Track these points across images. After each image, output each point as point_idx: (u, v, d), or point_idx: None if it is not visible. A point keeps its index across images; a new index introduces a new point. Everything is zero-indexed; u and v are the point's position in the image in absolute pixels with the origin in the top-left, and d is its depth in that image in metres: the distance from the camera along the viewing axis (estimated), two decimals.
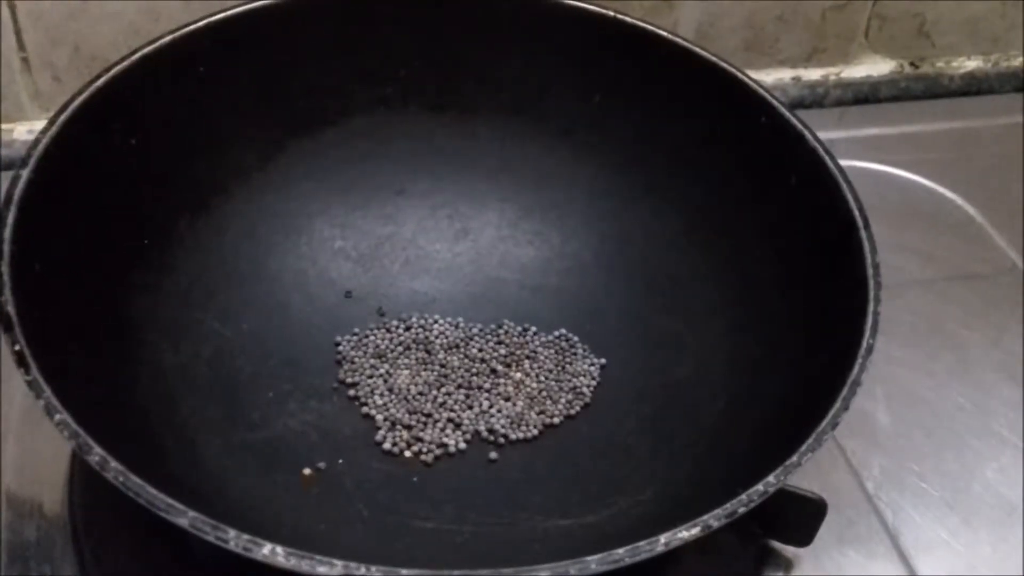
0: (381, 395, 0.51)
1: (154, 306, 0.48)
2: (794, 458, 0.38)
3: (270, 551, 0.34)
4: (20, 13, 0.61)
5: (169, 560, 0.46)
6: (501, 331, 0.55)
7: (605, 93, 0.56)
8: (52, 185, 0.44)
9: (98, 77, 0.47)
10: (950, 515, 0.52)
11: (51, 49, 0.63)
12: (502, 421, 0.51)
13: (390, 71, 0.56)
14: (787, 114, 0.50)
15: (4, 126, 0.65)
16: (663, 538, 0.35)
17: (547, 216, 0.58)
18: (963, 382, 0.59)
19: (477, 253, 0.58)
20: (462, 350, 0.54)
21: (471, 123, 0.58)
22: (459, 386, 0.52)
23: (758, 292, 0.51)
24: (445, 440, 0.50)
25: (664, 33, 0.54)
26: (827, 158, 0.49)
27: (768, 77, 0.75)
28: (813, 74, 0.77)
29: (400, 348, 0.53)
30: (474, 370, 0.53)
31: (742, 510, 0.37)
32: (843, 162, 0.49)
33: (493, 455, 0.50)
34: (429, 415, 0.51)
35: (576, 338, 0.54)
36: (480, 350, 0.54)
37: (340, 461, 0.48)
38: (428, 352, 0.53)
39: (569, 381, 0.53)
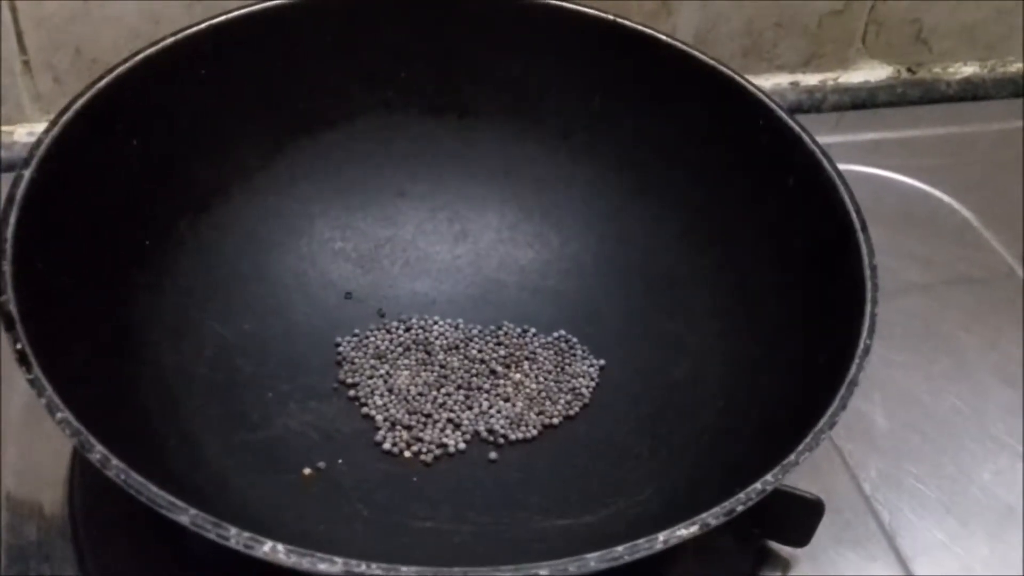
0: (381, 395, 0.51)
1: (155, 306, 0.49)
2: (792, 457, 0.38)
3: (271, 548, 0.34)
4: (22, 15, 0.61)
5: (168, 560, 0.46)
6: (500, 332, 0.55)
7: (604, 96, 0.57)
8: (54, 185, 0.44)
9: (101, 78, 0.47)
10: (947, 517, 0.53)
11: (52, 52, 0.63)
12: (501, 422, 0.51)
13: (391, 73, 0.57)
14: (785, 117, 0.51)
15: (4, 128, 0.66)
16: (662, 536, 0.36)
17: (546, 218, 0.58)
18: (960, 385, 0.59)
19: (477, 255, 0.58)
20: (462, 351, 0.54)
21: (471, 125, 0.58)
22: (459, 387, 0.52)
23: (756, 293, 0.51)
24: (444, 440, 0.50)
25: (663, 37, 0.55)
26: (825, 161, 0.49)
27: (766, 82, 0.76)
28: (811, 79, 0.78)
29: (400, 349, 0.54)
30: (473, 371, 0.53)
31: (740, 508, 0.37)
32: (840, 166, 0.49)
33: (492, 455, 0.50)
34: (429, 415, 0.51)
35: (575, 339, 0.55)
36: (479, 351, 0.54)
37: (340, 461, 0.48)
38: (428, 353, 0.54)
39: (568, 382, 0.53)
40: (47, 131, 0.45)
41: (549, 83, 0.57)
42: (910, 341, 0.60)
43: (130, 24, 0.63)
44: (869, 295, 0.44)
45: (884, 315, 0.44)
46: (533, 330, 0.55)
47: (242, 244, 0.54)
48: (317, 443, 0.49)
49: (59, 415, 0.36)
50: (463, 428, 0.51)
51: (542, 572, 0.34)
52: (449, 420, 0.51)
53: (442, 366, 0.53)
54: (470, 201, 0.59)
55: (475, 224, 0.58)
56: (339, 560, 0.34)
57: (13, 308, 0.39)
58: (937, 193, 0.71)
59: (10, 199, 0.42)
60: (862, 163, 0.70)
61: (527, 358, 0.54)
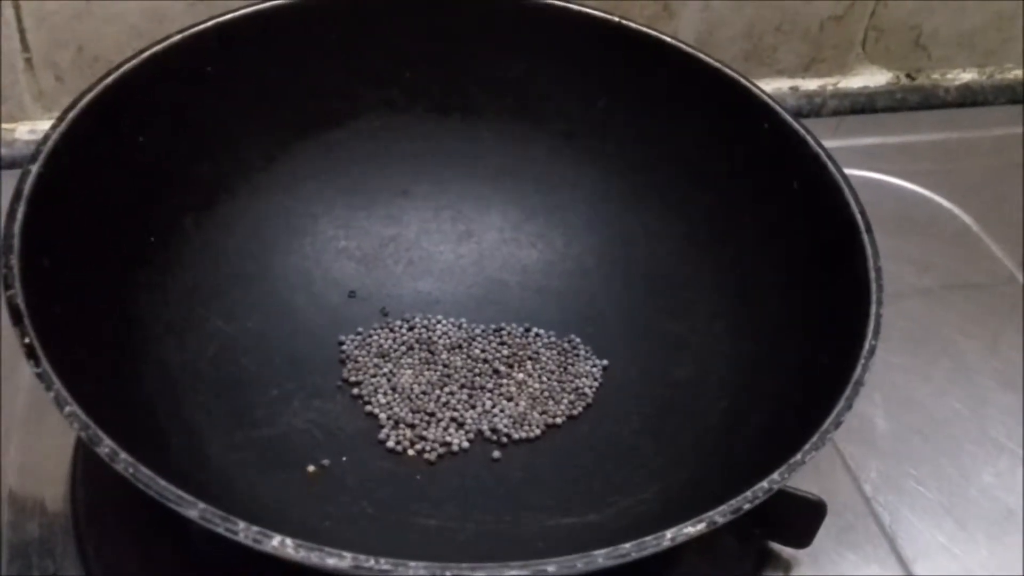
0: (384, 394, 0.52)
1: (160, 303, 0.49)
2: (799, 456, 0.38)
3: (280, 543, 0.34)
4: (24, 13, 0.61)
5: (171, 557, 0.46)
6: (504, 332, 0.55)
7: (609, 97, 0.57)
8: (61, 181, 0.44)
9: (108, 74, 0.47)
10: (947, 519, 0.53)
11: (55, 50, 0.63)
12: (505, 421, 0.51)
13: (395, 73, 0.57)
14: (789, 119, 0.51)
15: (6, 126, 0.66)
16: (669, 533, 0.36)
17: (550, 219, 0.58)
18: (960, 388, 0.59)
19: (480, 255, 0.58)
20: (465, 350, 0.54)
21: (475, 126, 0.58)
22: (462, 386, 0.52)
23: (760, 294, 0.51)
24: (448, 439, 0.50)
25: (668, 39, 0.55)
26: (829, 162, 0.49)
27: (766, 87, 0.75)
28: (811, 84, 0.78)
29: (403, 348, 0.54)
30: (477, 370, 0.53)
31: (747, 507, 0.37)
32: None
33: (496, 454, 0.50)
34: (432, 414, 0.51)
35: (578, 339, 0.55)
36: (483, 350, 0.54)
37: (344, 459, 0.48)
38: (431, 352, 0.54)
39: (571, 382, 0.53)
40: (54, 127, 0.45)
41: (553, 84, 0.58)
42: (910, 344, 0.61)
43: (133, 22, 0.63)
44: (874, 296, 0.44)
45: (884, 318, 0.44)
46: (536, 330, 0.55)
47: (246, 242, 0.54)
48: (321, 441, 0.49)
49: (68, 409, 0.36)
50: (466, 427, 0.51)
51: (550, 569, 0.34)
52: (452, 419, 0.51)
53: (445, 365, 0.53)
54: (474, 201, 0.59)
55: (479, 224, 0.59)
56: (348, 555, 0.34)
57: (21, 302, 0.39)
58: (936, 198, 0.71)
59: (17, 194, 0.42)
60: (861, 167, 0.70)
61: (530, 358, 0.54)
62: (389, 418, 0.51)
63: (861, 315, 0.43)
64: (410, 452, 0.50)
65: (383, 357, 0.53)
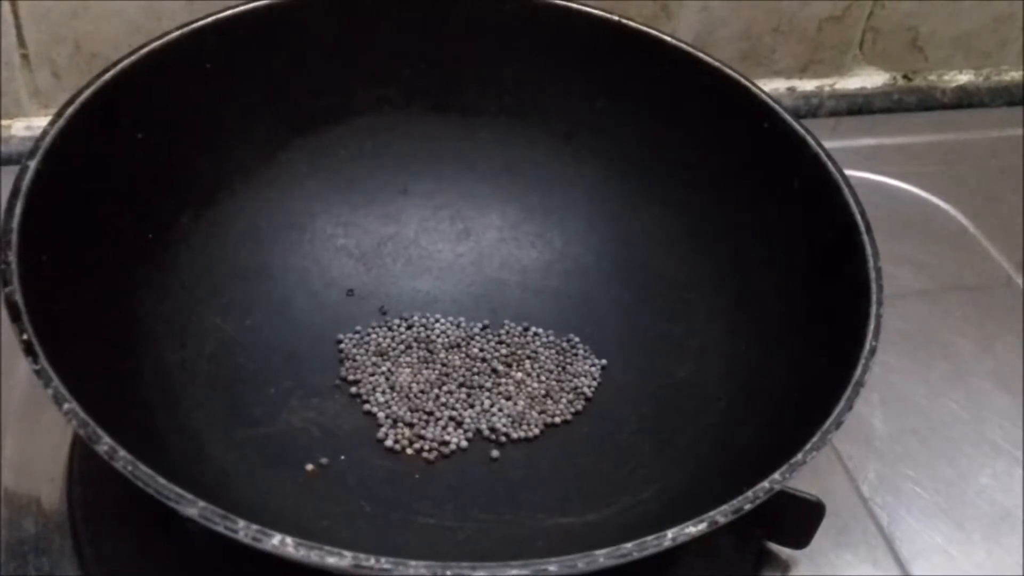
0: (383, 393, 0.51)
1: (158, 301, 0.48)
2: (799, 456, 0.38)
3: (280, 542, 0.34)
4: (22, 10, 0.61)
5: (169, 555, 0.46)
6: (502, 331, 0.55)
7: (608, 97, 0.57)
8: (59, 177, 0.44)
9: (106, 71, 0.47)
10: (945, 520, 0.53)
11: (52, 46, 0.63)
12: (503, 420, 0.51)
13: (394, 71, 0.57)
14: (789, 119, 0.51)
15: (3, 122, 0.65)
16: (671, 533, 0.36)
17: (549, 218, 0.58)
18: (958, 390, 0.59)
19: (479, 254, 0.58)
20: (463, 349, 0.54)
21: (474, 125, 0.58)
22: (460, 385, 0.52)
23: (759, 294, 0.51)
24: (447, 438, 0.50)
25: (667, 38, 0.55)
26: (829, 163, 0.49)
27: (764, 87, 0.75)
28: (808, 85, 0.78)
29: (402, 347, 0.54)
30: (475, 369, 0.53)
31: (748, 507, 0.37)
32: None
33: (495, 453, 0.50)
34: (431, 413, 0.51)
35: (577, 339, 0.55)
36: (481, 349, 0.54)
37: (342, 458, 0.48)
38: (430, 351, 0.53)
39: (570, 381, 0.53)
40: (52, 123, 0.45)
41: (552, 83, 0.57)
42: (907, 346, 0.61)
43: (130, 19, 0.63)
44: (874, 296, 0.44)
45: (882, 320, 0.44)
46: (535, 329, 0.55)
47: (244, 240, 0.54)
48: (319, 440, 0.49)
49: (66, 406, 0.36)
50: (465, 426, 0.51)
51: (551, 568, 0.34)
52: (451, 418, 0.51)
53: (444, 364, 0.53)
54: (473, 200, 0.59)
55: (477, 223, 0.58)
56: (348, 554, 0.34)
57: (19, 299, 0.39)
58: (933, 199, 0.71)
59: (15, 190, 0.42)
60: (858, 168, 0.70)
61: (528, 357, 0.54)
62: (387, 417, 0.51)
63: (861, 315, 0.43)
64: (408, 451, 0.49)
65: (381, 356, 0.53)
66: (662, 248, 0.55)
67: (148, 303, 0.48)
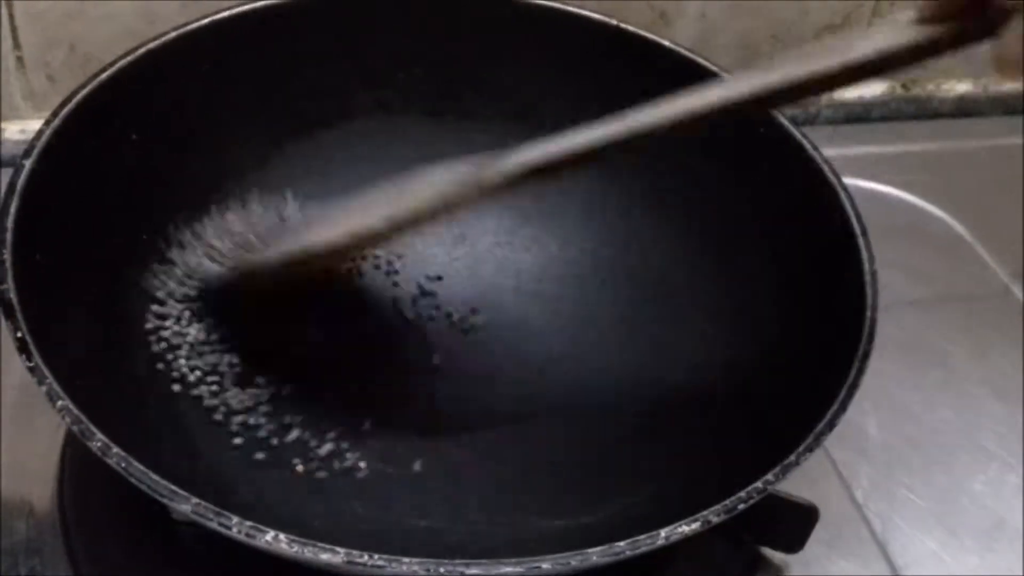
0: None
1: (151, 302, 0.48)
2: (792, 457, 0.38)
3: (273, 538, 0.34)
4: (17, 12, 0.61)
5: (161, 556, 0.46)
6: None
7: (604, 102, 0.55)
8: (54, 177, 0.44)
9: (102, 71, 0.48)
10: (938, 526, 0.53)
11: (47, 49, 0.63)
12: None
13: (390, 75, 0.57)
14: (786, 124, 0.51)
15: None
16: (664, 532, 0.36)
17: (545, 223, 0.58)
18: (952, 398, 0.59)
19: (474, 258, 0.58)
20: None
21: (470, 129, 0.58)
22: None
23: (755, 299, 0.51)
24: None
25: (665, 43, 0.55)
26: (825, 168, 0.49)
27: None
28: None
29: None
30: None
31: (741, 507, 0.37)
32: None
33: (491, 448, 0.50)
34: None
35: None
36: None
37: (334, 458, 0.48)
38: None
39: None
40: (48, 122, 0.45)
41: (549, 88, 0.57)
42: (902, 353, 0.60)
43: (125, 22, 0.63)
44: (870, 299, 0.44)
45: (877, 326, 0.44)
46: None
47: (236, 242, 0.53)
48: (310, 440, 0.49)
49: (60, 403, 0.36)
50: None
51: (544, 566, 0.34)
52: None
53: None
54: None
55: (473, 228, 0.58)
56: (341, 550, 0.34)
57: (13, 296, 0.39)
58: (930, 208, 0.71)
59: (11, 189, 0.42)
60: (855, 177, 0.69)
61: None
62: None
63: (857, 318, 0.43)
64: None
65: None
66: (658, 252, 0.55)
67: (142, 304, 0.48)
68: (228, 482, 0.45)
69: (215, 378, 0.49)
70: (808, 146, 0.50)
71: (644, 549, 0.35)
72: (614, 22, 0.55)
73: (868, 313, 0.44)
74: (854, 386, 0.41)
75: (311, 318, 0.54)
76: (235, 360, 0.50)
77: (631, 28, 0.55)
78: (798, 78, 0.39)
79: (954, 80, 0.81)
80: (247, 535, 0.34)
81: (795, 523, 0.47)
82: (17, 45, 0.62)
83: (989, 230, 0.70)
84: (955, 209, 0.71)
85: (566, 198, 0.58)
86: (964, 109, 0.81)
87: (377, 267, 0.57)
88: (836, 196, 0.48)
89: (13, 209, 0.41)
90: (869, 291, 0.44)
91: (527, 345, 0.55)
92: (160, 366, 0.48)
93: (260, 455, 0.47)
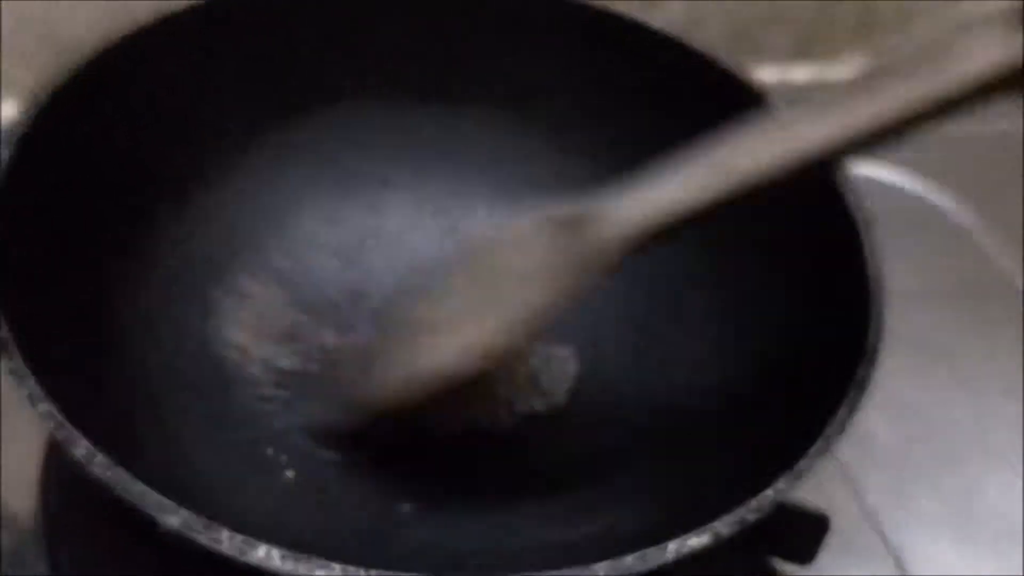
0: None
1: (135, 298, 0.47)
2: (804, 463, 0.37)
3: (265, 553, 0.32)
4: None
5: (145, 565, 0.44)
6: None
7: (598, 91, 0.55)
8: (31, 167, 0.42)
9: (80, 59, 0.46)
10: (952, 532, 0.52)
11: (22, 34, 0.61)
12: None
13: (377, 60, 0.55)
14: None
15: None
16: (672, 545, 0.34)
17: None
18: (961, 397, 0.58)
19: None
20: None
21: (458, 116, 0.56)
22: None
23: (757, 296, 0.50)
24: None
25: (658, 27, 0.54)
26: None
27: (755, 77, 0.75)
28: (800, 75, 0.77)
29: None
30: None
31: (752, 517, 0.35)
32: None
33: (488, 457, 0.48)
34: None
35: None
36: None
37: (326, 466, 0.47)
38: None
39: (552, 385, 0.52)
40: (24, 112, 0.43)
41: (539, 75, 0.56)
42: (907, 350, 0.58)
43: (104, 6, 0.60)
44: (876, 297, 0.43)
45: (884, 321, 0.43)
46: None
47: (222, 234, 0.52)
48: (302, 446, 0.47)
49: (41, 407, 0.35)
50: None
51: None
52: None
53: None
54: (457, 194, 0.57)
55: (463, 219, 0.57)
56: (336, 566, 0.32)
57: None
58: (936, 197, 0.69)
59: None
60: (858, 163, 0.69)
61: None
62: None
63: (864, 314, 0.42)
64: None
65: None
66: (656, 249, 0.54)
67: (125, 300, 0.46)
68: (215, 490, 0.43)
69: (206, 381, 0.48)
70: None
71: (653, 564, 0.33)
72: (600, 5, 0.54)
73: (875, 309, 0.42)
74: (863, 386, 0.40)
75: None
76: (227, 360, 0.49)
77: (624, 14, 0.54)
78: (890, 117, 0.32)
79: None
80: (239, 550, 0.32)
81: (806, 532, 0.45)
82: None
83: (993, 218, 0.68)
84: (956, 195, 0.69)
85: (558, 189, 0.56)
86: None
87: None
88: (839, 188, 0.46)
89: None
90: (875, 286, 0.43)
91: None
92: (147, 366, 0.46)
93: (249, 461, 0.46)
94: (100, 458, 0.34)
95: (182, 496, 0.34)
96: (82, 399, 0.38)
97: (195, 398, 0.46)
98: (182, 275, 0.50)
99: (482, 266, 0.38)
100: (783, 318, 0.48)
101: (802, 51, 0.75)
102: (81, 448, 0.34)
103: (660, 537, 0.35)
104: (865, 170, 0.67)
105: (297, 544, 0.37)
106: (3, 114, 0.63)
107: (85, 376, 0.41)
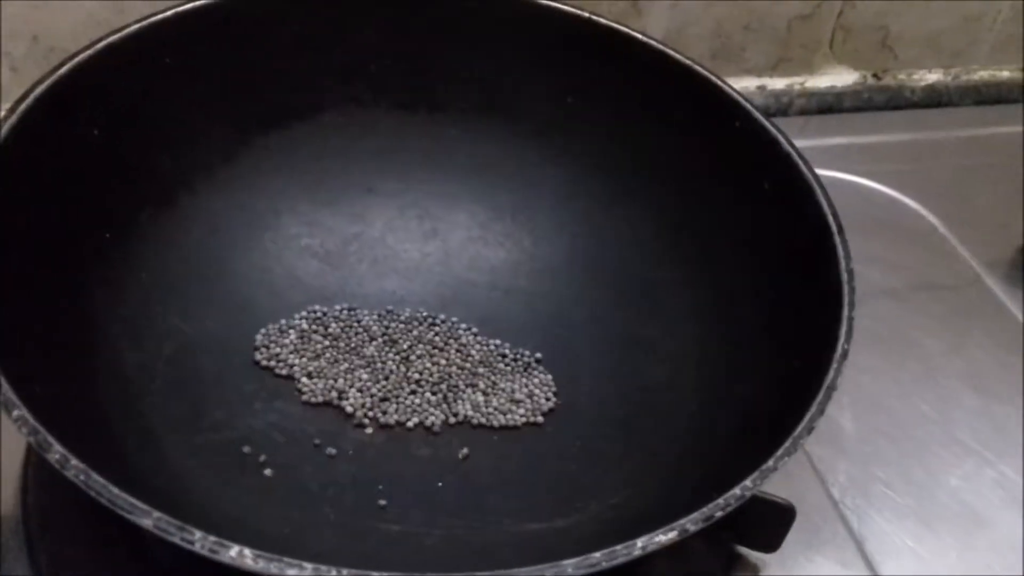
0: (346, 396, 0.50)
1: (115, 302, 0.47)
2: (770, 462, 0.38)
3: (237, 553, 0.33)
4: None
5: (128, 562, 0.44)
6: (470, 333, 0.54)
7: (578, 95, 0.56)
8: (12, 173, 0.42)
9: (62, 64, 0.46)
10: (915, 522, 0.53)
11: (9, 39, 0.61)
12: (474, 420, 0.50)
13: (360, 67, 0.56)
14: (761, 119, 0.50)
15: None
16: (640, 542, 0.35)
17: (518, 218, 0.57)
18: (927, 390, 0.59)
19: (446, 254, 0.57)
20: (434, 351, 0.53)
21: (441, 122, 0.57)
22: (430, 387, 0.51)
23: (731, 297, 0.50)
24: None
25: (638, 35, 0.54)
26: (801, 163, 0.49)
27: (734, 85, 0.75)
28: (778, 83, 0.78)
29: (367, 348, 0.52)
30: (444, 371, 0.52)
31: (719, 514, 0.36)
32: None
33: (464, 451, 0.49)
34: (397, 417, 0.50)
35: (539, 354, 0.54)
36: (457, 351, 0.53)
37: (305, 463, 0.47)
38: (397, 353, 0.52)
39: (535, 387, 0.52)
40: (5, 118, 0.43)
41: (521, 80, 0.57)
42: (877, 346, 0.60)
43: (91, 12, 0.61)
44: (847, 299, 0.43)
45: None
46: (497, 341, 0.54)
47: (205, 239, 0.52)
48: (281, 444, 0.48)
49: (15, 412, 0.35)
50: (433, 429, 0.50)
51: None
52: (419, 423, 0.50)
53: (411, 365, 0.52)
54: (440, 199, 0.58)
55: (445, 223, 0.57)
56: (308, 565, 0.33)
57: None
58: (902, 198, 0.71)
59: None
60: (828, 167, 0.68)
61: (498, 360, 0.53)
62: (352, 420, 0.49)
63: (834, 318, 0.43)
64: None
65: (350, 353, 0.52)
66: (632, 248, 0.55)
67: (105, 304, 0.47)
68: (196, 490, 0.43)
69: (184, 383, 0.48)
70: (783, 141, 0.49)
71: (621, 560, 0.34)
72: (585, 14, 0.54)
73: (845, 312, 0.43)
74: (832, 388, 0.40)
75: None
76: (204, 363, 0.49)
77: (603, 20, 0.54)
78: None
79: (925, 70, 0.81)
80: (211, 550, 0.33)
81: (772, 522, 0.46)
82: None
83: (961, 219, 0.70)
84: (927, 199, 0.71)
85: (539, 194, 0.57)
86: (935, 99, 0.81)
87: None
88: (812, 193, 0.47)
89: None
90: (846, 290, 0.44)
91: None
92: (125, 369, 0.47)
93: (228, 461, 0.46)
94: (74, 462, 0.34)
95: (160, 496, 0.35)
96: (58, 402, 0.38)
97: (173, 399, 0.47)
98: (162, 278, 0.50)
99: None
100: (756, 318, 0.49)
101: (782, 60, 0.76)
102: (55, 453, 0.34)
103: (630, 532, 0.35)
104: (836, 173, 0.69)
105: (276, 541, 0.38)
106: None
107: (63, 380, 0.42)
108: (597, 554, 0.34)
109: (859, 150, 0.75)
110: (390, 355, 0.52)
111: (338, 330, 0.53)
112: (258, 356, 0.51)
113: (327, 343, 0.52)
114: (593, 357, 0.53)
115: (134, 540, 0.44)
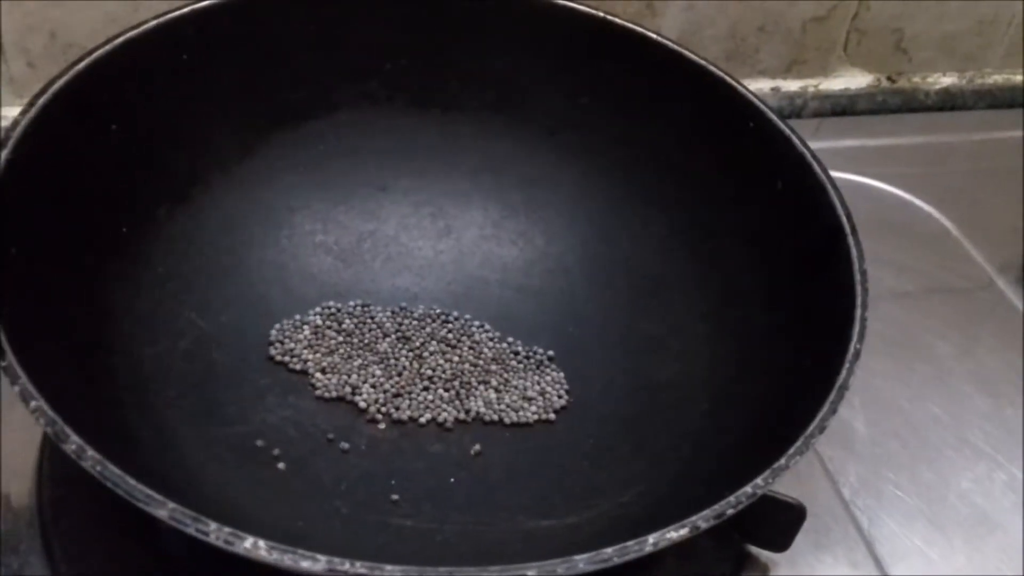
0: (360, 391, 0.50)
1: (131, 296, 0.48)
2: (782, 461, 0.38)
3: (252, 544, 0.33)
4: None
5: (140, 554, 0.45)
6: (483, 331, 0.54)
7: (592, 94, 0.56)
8: (30, 168, 0.43)
9: (80, 59, 0.46)
10: (925, 524, 0.53)
11: (27, 35, 0.62)
12: (486, 416, 0.50)
13: (375, 65, 0.56)
14: (775, 119, 0.50)
15: None
16: (652, 538, 0.35)
17: (531, 216, 0.57)
18: (938, 393, 0.59)
19: (460, 252, 0.57)
20: (446, 348, 0.53)
21: (455, 121, 0.57)
22: (443, 383, 0.52)
23: (743, 296, 0.51)
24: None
25: (653, 35, 0.54)
26: (814, 163, 0.49)
27: (749, 87, 0.75)
28: (792, 85, 0.78)
29: (383, 344, 0.53)
30: (457, 368, 0.52)
31: (730, 511, 0.36)
32: None
33: (476, 447, 0.49)
34: (410, 413, 0.50)
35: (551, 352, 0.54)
36: (469, 348, 0.53)
37: (318, 457, 0.47)
38: (410, 350, 0.53)
39: (547, 384, 0.52)
40: (24, 112, 0.44)
41: (536, 79, 0.57)
42: (889, 348, 0.60)
43: (108, 9, 0.62)
44: (859, 299, 0.44)
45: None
46: (510, 339, 0.54)
47: (221, 235, 0.53)
48: (295, 439, 0.48)
49: (33, 403, 0.35)
50: (446, 425, 0.50)
51: (530, 573, 0.34)
52: (432, 418, 0.50)
53: (424, 362, 0.52)
54: (454, 197, 0.58)
55: (458, 220, 0.58)
56: (322, 558, 0.33)
57: None
58: (916, 201, 0.71)
59: None
60: (840, 169, 0.68)
61: (510, 358, 0.53)
62: (366, 416, 0.50)
63: (846, 318, 0.43)
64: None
65: (360, 352, 0.52)
66: (645, 247, 0.55)
67: (121, 298, 0.47)
68: (209, 482, 0.44)
69: (198, 377, 0.48)
70: (797, 141, 0.50)
71: (632, 556, 0.34)
72: (600, 14, 0.55)
73: (858, 312, 0.43)
74: (844, 387, 0.41)
75: None
76: (219, 357, 0.49)
77: (618, 20, 0.55)
78: None
79: (939, 73, 0.81)
80: (226, 541, 0.33)
81: (783, 521, 0.46)
82: None
83: (974, 223, 0.70)
84: (940, 202, 0.71)
85: (553, 193, 0.57)
86: (949, 102, 0.81)
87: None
88: (825, 193, 0.47)
89: None
90: (859, 290, 0.44)
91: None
92: (141, 363, 0.47)
93: (243, 455, 0.46)
94: (91, 452, 0.34)
95: (175, 488, 0.35)
96: (75, 395, 0.39)
97: (188, 393, 0.47)
98: (178, 273, 0.50)
99: None
100: (768, 317, 0.49)
101: (796, 62, 0.76)
102: (72, 443, 0.34)
103: (641, 529, 0.35)
104: (850, 175, 0.69)
105: (289, 533, 0.38)
106: (5, 115, 0.64)
107: (78, 372, 0.42)
108: (608, 550, 0.34)
109: (872, 153, 0.75)
110: (403, 351, 0.52)
111: (352, 326, 0.53)
112: (272, 351, 0.51)
113: (341, 339, 0.52)
114: (605, 355, 0.53)
115: (148, 533, 0.44)
